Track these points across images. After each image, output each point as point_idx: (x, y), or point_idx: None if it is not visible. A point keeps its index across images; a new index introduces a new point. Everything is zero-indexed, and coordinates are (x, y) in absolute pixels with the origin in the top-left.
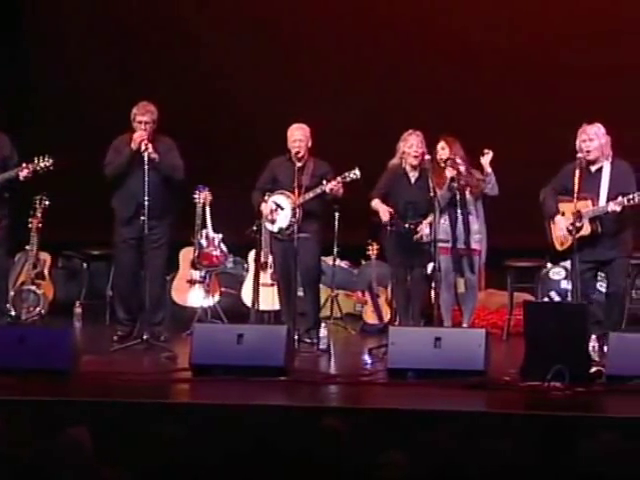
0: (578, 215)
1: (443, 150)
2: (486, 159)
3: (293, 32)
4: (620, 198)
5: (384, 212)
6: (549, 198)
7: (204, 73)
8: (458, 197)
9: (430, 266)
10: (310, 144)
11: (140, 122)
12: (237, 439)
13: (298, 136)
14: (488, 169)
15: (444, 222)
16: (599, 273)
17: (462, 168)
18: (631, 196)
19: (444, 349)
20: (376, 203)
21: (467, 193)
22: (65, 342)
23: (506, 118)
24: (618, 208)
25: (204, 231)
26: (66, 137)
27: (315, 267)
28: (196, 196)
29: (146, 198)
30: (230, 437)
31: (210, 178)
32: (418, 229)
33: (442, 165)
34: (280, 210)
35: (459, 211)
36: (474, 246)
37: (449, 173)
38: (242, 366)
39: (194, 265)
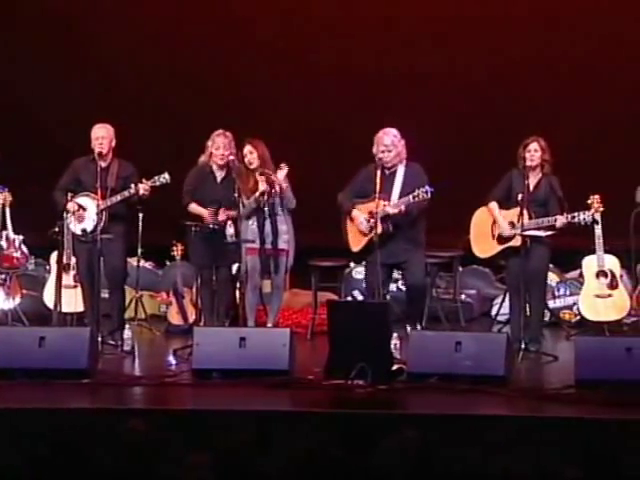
0: (372, 216)
1: (251, 154)
2: (281, 174)
3: (100, 31)
4: (397, 201)
5: (206, 213)
6: (346, 200)
7: None
8: (266, 198)
9: (235, 266)
10: (114, 144)
11: None
12: (40, 443)
13: (100, 134)
14: (284, 184)
15: (252, 224)
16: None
17: (277, 188)
18: (415, 192)
19: (249, 349)
20: (195, 208)
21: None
22: None
23: (309, 119)
24: (396, 210)
25: (4, 232)
26: None
27: (121, 268)
28: None
29: None
30: (33, 442)
31: (9, 178)
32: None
33: (253, 171)
34: (83, 212)
35: (267, 213)
36: (282, 246)
37: (262, 187)
38: (44, 369)
39: None
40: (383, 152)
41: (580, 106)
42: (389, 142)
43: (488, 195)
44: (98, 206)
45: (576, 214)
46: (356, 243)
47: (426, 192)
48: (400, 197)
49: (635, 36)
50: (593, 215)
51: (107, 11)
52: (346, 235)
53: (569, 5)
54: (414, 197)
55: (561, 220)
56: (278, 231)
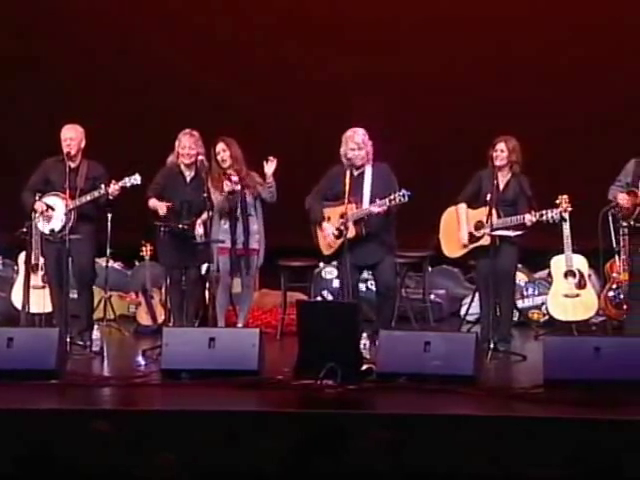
0: (343, 218)
1: (224, 152)
2: (270, 167)
3: (66, 31)
4: (382, 200)
5: (162, 207)
6: (315, 204)
7: None
8: (239, 200)
9: (205, 266)
10: (83, 145)
11: None
12: (8, 444)
13: (69, 135)
14: (270, 178)
15: (224, 223)
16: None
17: (237, 187)
18: (392, 196)
19: (218, 349)
20: (153, 202)
21: (247, 195)
22: None
23: (279, 119)
24: (381, 209)
25: None
26: None
27: (89, 269)
28: None
29: None
30: (1, 442)
31: None
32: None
33: (225, 169)
34: (52, 211)
35: (239, 213)
36: (253, 246)
37: (226, 187)
38: (12, 370)
39: None
40: (353, 150)
41: (550, 106)
42: (359, 140)
43: (458, 195)
44: (67, 206)
45: (544, 212)
46: (327, 247)
47: (403, 196)
48: (371, 198)
49: (604, 37)
50: (561, 213)
51: (72, 11)
52: (316, 240)
53: (544, 6)
54: (391, 200)
55: (529, 218)
56: (250, 231)
